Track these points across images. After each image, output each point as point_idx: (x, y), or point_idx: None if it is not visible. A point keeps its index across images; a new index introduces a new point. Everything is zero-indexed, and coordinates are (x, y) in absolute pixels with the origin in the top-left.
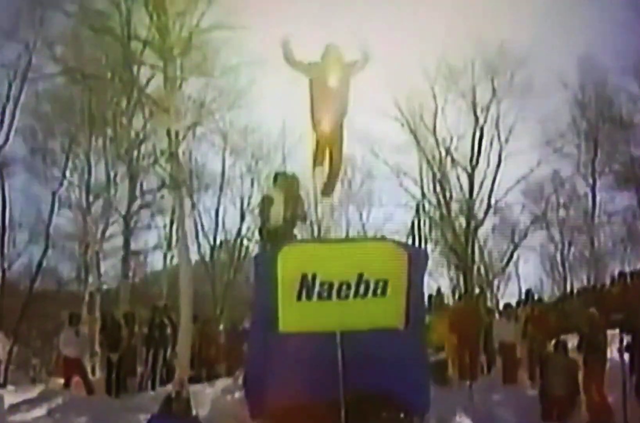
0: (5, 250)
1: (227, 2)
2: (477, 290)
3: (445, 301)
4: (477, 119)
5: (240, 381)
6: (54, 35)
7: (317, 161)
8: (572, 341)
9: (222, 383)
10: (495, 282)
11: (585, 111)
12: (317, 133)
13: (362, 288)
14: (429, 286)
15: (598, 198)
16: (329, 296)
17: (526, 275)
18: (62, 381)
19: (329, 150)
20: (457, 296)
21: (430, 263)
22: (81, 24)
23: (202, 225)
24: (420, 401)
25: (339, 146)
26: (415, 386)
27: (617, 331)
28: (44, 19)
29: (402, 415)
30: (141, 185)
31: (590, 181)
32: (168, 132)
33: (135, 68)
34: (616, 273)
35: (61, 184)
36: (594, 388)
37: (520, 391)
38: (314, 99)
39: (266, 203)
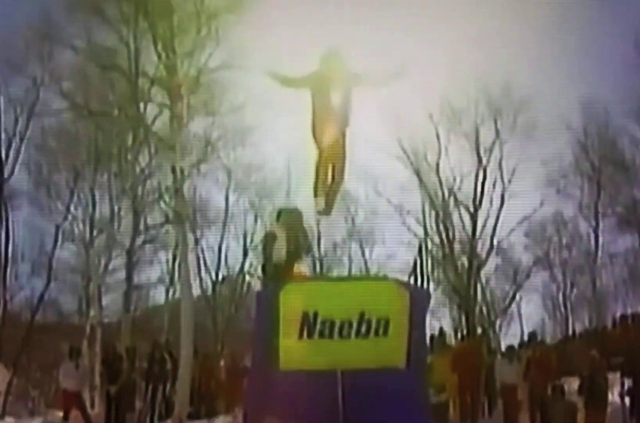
0: (8, 282)
1: (235, 42)
2: (479, 331)
3: (448, 341)
4: (480, 160)
5: (239, 418)
6: (61, 71)
7: (319, 179)
8: (574, 384)
9: (221, 420)
10: (498, 322)
11: (588, 153)
12: (319, 147)
13: (363, 327)
14: (431, 325)
15: (600, 240)
16: (330, 335)
17: (528, 315)
18: (61, 414)
19: (331, 166)
20: (459, 336)
21: (432, 302)
22: (89, 60)
23: (204, 260)
24: None
25: (342, 159)
26: None
27: (618, 374)
28: (52, 54)
29: None
30: (145, 220)
31: (593, 222)
32: (173, 169)
33: (142, 105)
34: (618, 315)
35: (65, 217)
36: None
37: None
38: (315, 111)
39: (269, 239)
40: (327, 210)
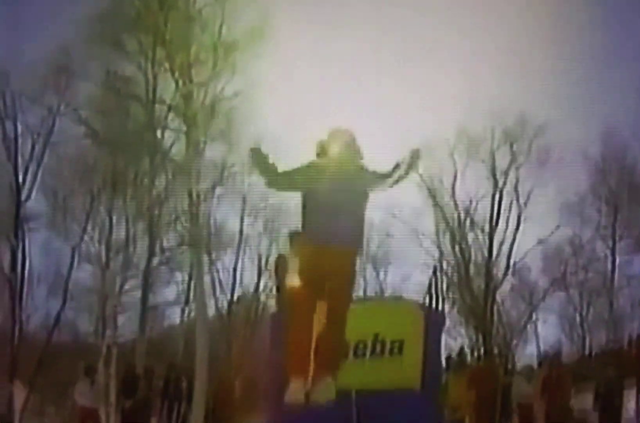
0: (24, 303)
1: (250, 71)
2: (496, 351)
3: (464, 361)
4: (496, 183)
5: None
6: (78, 100)
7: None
8: (589, 401)
9: None
10: (514, 343)
11: (605, 177)
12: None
13: (378, 348)
14: (447, 346)
15: (617, 261)
16: (345, 356)
17: (545, 336)
18: None
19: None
20: (476, 356)
21: (448, 323)
22: (107, 89)
23: (219, 281)
24: None
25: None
26: None
27: (634, 390)
28: (69, 84)
29: None
30: (161, 243)
31: (610, 244)
32: (189, 193)
33: (159, 132)
34: (634, 335)
35: (81, 239)
36: None
37: None
38: (307, 212)
39: (280, 263)
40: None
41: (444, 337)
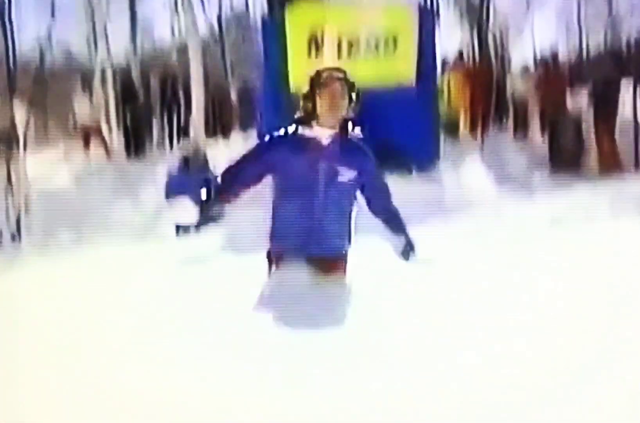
0: (14, 20)
1: None
2: (492, 51)
3: (460, 61)
4: None
5: (254, 135)
6: None
7: None
8: (584, 98)
9: (236, 136)
10: (511, 44)
11: None
12: None
13: (372, 45)
14: (444, 48)
15: None
16: (339, 54)
17: (542, 36)
18: (80, 144)
19: None
20: (472, 57)
21: (443, 20)
22: None
23: None
24: (429, 157)
25: None
26: (424, 141)
27: (629, 88)
28: None
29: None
30: None
31: None
32: None
33: None
34: (632, 40)
35: None
36: (604, 138)
37: (530, 143)
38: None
39: None
40: None
41: (439, 37)
